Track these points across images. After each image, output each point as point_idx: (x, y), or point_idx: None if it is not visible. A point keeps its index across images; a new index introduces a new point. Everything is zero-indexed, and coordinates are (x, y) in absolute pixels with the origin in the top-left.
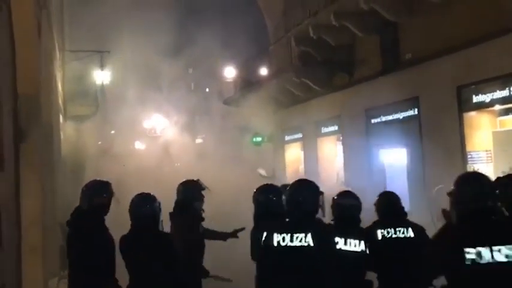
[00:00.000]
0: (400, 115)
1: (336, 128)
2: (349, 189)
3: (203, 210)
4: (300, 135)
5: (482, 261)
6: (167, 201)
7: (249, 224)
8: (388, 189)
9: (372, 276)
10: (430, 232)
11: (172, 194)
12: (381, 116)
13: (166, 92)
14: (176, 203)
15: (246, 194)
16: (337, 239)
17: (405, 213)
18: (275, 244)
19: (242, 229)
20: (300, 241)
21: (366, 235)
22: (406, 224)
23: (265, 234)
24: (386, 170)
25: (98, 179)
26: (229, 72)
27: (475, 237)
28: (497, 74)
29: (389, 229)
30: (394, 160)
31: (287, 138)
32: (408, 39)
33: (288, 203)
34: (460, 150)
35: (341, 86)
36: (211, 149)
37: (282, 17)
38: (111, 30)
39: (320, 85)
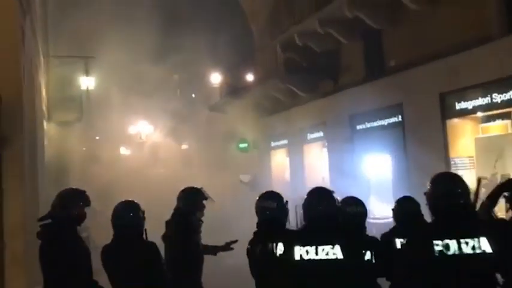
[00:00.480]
0: (385, 121)
1: (321, 134)
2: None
3: (202, 221)
4: (285, 142)
5: (449, 253)
6: (153, 208)
7: (236, 231)
8: (372, 195)
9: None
10: None
11: (158, 200)
12: (366, 123)
13: (152, 97)
14: (175, 210)
15: (231, 200)
16: None
17: (424, 221)
18: (297, 258)
19: (235, 241)
20: (327, 254)
21: (382, 243)
22: None
23: (280, 246)
24: (371, 176)
25: (74, 187)
26: (215, 78)
27: (443, 230)
28: (480, 82)
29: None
30: (378, 166)
31: (273, 144)
32: (392, 47)
33: (309, 212)
34: (444, 157)
35: (326, 92)
36: (197, 155)
37: (267, 23)
38: (96, 36)
39: (305, 91)
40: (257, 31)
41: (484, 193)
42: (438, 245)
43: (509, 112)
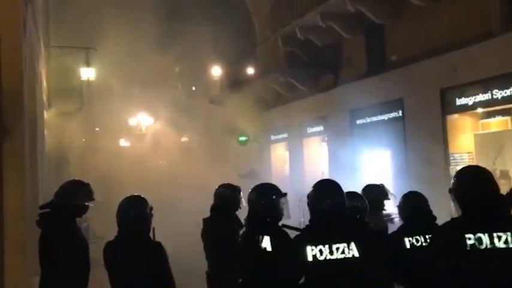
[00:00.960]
0: (385, 116)
1: (321, 128)
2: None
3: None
4: (285, 135)
5: (482, 247)
6: (153, 202)
7: None
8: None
9: None
10: None
11: (158, 193)
12: (366, 117)
13: (152, 89)
14: (214, 207)
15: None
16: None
17: (434, 217)
18: (310, 259)
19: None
20: (343, 252)
21: (390, 243)
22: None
23: (266, 240)
24: (370, 170)
25: (77, 179)
26: (216, 71)
27: (475, 223)
28: (480, 78)
29: (418, 236)
30: (378, 161)
31: (273, 138)
32: (393, 42)
33: (317, 206)
34: (443, 152)
35: (326, 86)
36: (196, 147)
37: (269, 17)
38: (97, 27)
39: (306, 85)
40: (259, 24)
41: None
42: (470, 239)
43: (510, 108)
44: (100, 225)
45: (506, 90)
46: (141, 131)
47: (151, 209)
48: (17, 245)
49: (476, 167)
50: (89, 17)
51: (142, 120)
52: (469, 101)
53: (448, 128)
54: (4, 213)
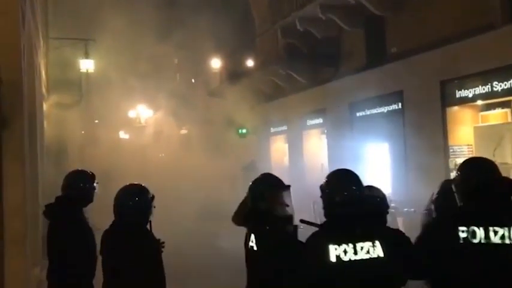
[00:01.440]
0: (385, 109)
1: (320, 120)
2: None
3: None
4: (285, 128)
5: (475, 241)
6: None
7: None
8: (371, 181)
9: None
10: (412, 224)
11: (157, 184)
12: (366, 110)
13: (151, 81)
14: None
15: (229, 184)
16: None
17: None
18: (333, 260)
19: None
20: (368, 252)
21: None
22: None
23: (252, 238)
24: (370, 162)
25: (81, 168)
26: (215, 63)
27: (470, 216)
28: (480, 70)
29: None
30: (377, 153)
31: (272, 130)
32: (393, 34)
33: (335, 200)
34: (443, 144)
35: (326, 78)
36: (196, 139)
37: (268, 8)
38: (96, 18)
39: (305, 78)
40: (258, 16)
41: None
42: (464, 232)
43: (509, 101)
44: (99, 216)
45: (506, 83)
46: (141, 123)
47: (152, 197)
48: (16, 236)
49: (480, 158)
50: (88, 8)
51: (142, 112)
52: (469, 93)
53: (447, 121)
54: (4, 205)
